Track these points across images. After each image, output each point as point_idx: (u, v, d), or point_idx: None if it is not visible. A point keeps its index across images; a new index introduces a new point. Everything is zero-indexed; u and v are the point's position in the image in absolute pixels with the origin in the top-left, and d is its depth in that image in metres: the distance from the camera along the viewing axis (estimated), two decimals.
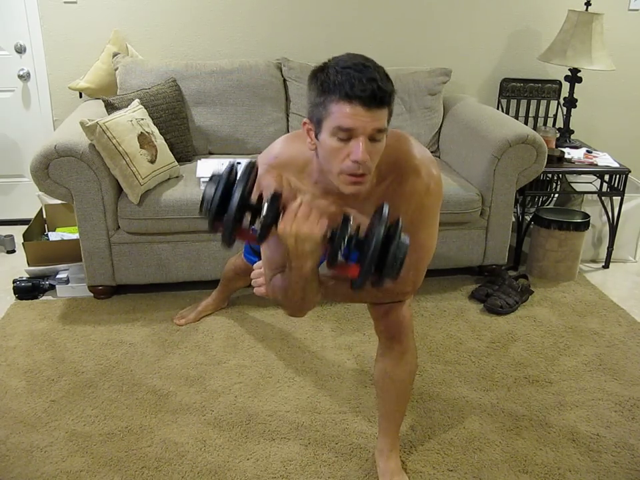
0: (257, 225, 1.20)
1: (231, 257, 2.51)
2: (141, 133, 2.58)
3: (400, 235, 1.20)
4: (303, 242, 1.23)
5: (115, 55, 3.07)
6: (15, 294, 2.74)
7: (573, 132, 3.41)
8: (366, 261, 1.17)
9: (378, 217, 1.20)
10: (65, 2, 3.13)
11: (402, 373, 1.70)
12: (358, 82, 1.23)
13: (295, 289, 1.40)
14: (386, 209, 1.21)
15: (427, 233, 1.49)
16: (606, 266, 3.20)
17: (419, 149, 1.47)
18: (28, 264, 2.87)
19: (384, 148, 1.34)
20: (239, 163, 1.26)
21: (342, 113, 1.24)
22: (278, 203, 1.19)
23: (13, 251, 3.20)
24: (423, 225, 1.47)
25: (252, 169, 1.22)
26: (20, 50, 3.21)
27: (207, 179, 2.69)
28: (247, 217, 1.23)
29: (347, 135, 1.25)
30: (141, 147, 2.55)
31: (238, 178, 1.18)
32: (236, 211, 1.15)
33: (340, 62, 1.28)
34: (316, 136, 1.32)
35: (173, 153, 2.76)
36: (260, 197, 1.25)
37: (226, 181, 1.17)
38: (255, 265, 1.66)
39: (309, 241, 1.23)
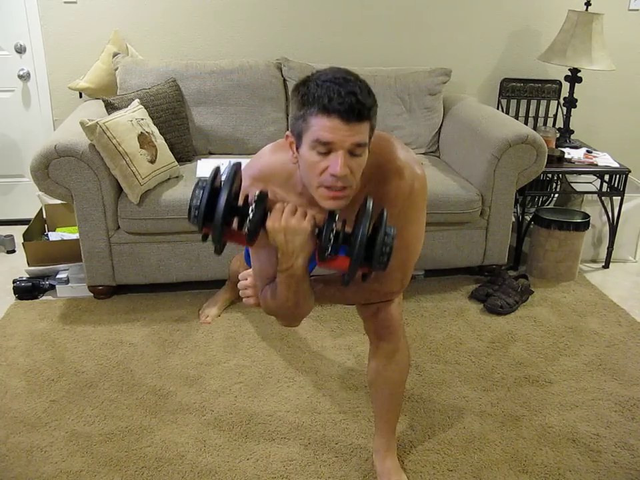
0: (246, 227, 1.22)
1: (233, 260, 2.51)
2: (141, 132, 2.58)
3: (385, 225, 1.23)
4: (293, 236, 1.25)
5: (115, 54, 3.06)
6: (14, 294, 2.74)
7: (572, 132, 3.41)
8: (354, 251, 1.20)
9: (363, 210, 1.24)
10: (65, 2, 3.13)
11: (393, 372, 1.69)
12: (337, 95, 1.22)
13: (287, 294, 1.41)
14: (369, 203, 1.24)
15: (412, 233, 1.49)
16: (606, 266, 3.20)
17: (402, 150, 1.46)
18: (28, 264, 2.87)
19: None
20: (223, 166, 1.25)
21: (320, 126, 1.23)
22: (265, 203, 1.22)
23: (13, 251, 3.20)
24: (408, 226, 1.47)
25: (236, 171, 1.23)
26: (20, 50, 3.21)
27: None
28: (236, 222, 1.25)
29: (325, 148, 1.25)
30: (141, 147, 2.55)
31: (222, 182, 1.20)
32: (223, 214, 1.16)
33: (321, 76, 1.27)
34: (297, 149, 1.31)
35: (173, 153, 2.76)
36: (246, 200, 1.26)
37: (211, 186, 1.18)
38: (240, 275, 1.64)
39: (298, 235, 1.26)
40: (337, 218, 1.25)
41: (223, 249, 1.25)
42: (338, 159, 1.24)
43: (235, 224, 1.25)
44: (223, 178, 1.22)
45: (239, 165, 1.28)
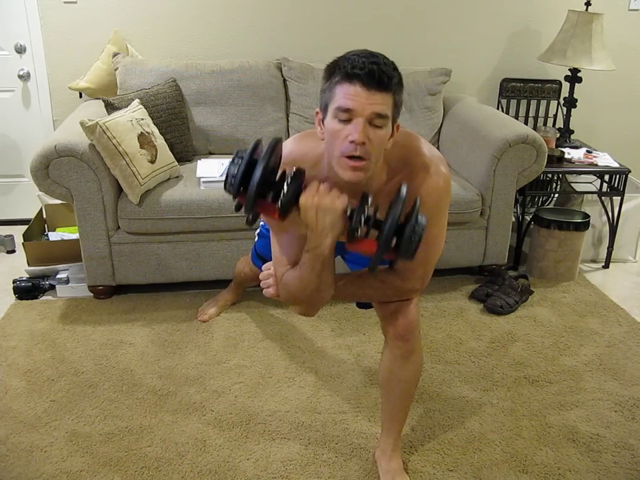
0: (279, 201, 1.23)
1: (239, 262, 2.52)
2: (141, 132, 2.58)
3: (417, 213, 1.24)
4: (324, 214, 1.27)
5: (115, 55, 3.06)
6: (14, 294, 2.74)
7: (572, 132, 3.41)
8: (383, 235, 1.20)
9: (396, 196, 1.24)
10: (65, 2, 3.13)
11: (408, 373, 1.70)
12: (360, 63, 1.28)
13: (310, 276, 1.42)
14: (404, 189, 1.26)
15: (435, 230, 1.50)
16: (606, 266, 3.20)
17: (428, 147, 1.50)
18: (28, 264, 2.87)
19: (393, 144, 1.37)
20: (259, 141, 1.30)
21: (343, 93, 1.29)
22: (300, 179, 1.24)
23: (13, 251, 3.19)
24: (431, 223, 1.47)
25: (275, 146, 1.23)
26: (20, 50, 3.21)
27: (209, 177, 2.68)
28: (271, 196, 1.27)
29: (346, 115, 1.29)
30: (141, 147, 2.55)
31: (262, 155, 1.22)
32: (258, 184, 1.17)
33: (350, 52, 1.33)
34: (322, 121, 1.36)
35: (173, 153, 2.76)
36: (283, 176, 1.28)
37: (249, 158, 1.20)
38: (263, 266, 1.67)
39: (330, 213, 1.27)
40: (369, 202, 1.25)
41: (255, 221, 1.26)
42: (357, 126, 1.28)
43: (270, 198, 1.26)
44: (263, 151, 1.23)
45: (279, 140, 1.30)
